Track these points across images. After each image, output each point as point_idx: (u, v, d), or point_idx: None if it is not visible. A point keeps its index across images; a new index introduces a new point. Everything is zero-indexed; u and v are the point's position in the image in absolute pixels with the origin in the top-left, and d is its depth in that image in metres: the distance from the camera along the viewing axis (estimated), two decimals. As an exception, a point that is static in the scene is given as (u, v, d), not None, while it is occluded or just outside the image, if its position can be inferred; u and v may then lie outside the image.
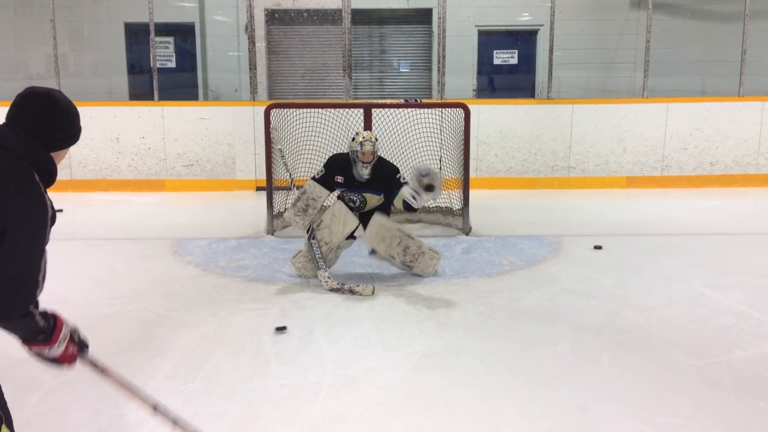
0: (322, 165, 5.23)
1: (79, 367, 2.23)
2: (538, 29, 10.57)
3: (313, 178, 5.13)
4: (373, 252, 5.30)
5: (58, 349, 2.08)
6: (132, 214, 7.58)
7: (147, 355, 3.78)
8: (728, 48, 9.61)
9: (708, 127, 8.92)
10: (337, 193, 5.23)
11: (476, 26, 10.74)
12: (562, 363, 3.70)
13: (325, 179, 5.12)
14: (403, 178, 5.05)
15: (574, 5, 10.28)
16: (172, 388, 3.39)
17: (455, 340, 4.00)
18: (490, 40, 10.77)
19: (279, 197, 6.75)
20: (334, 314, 4.44)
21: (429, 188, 4.64)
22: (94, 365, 2.27)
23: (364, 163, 4.98)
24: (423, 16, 10.75)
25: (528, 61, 10.74)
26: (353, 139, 5.06)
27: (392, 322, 4.28)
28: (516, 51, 10.54)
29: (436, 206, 7.01)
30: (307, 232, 5.03)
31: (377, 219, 5.07)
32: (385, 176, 5.06)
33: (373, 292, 4.81)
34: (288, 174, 5.68)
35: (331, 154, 5.45)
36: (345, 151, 5.30)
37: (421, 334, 4.11)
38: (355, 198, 5.15)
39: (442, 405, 3.22)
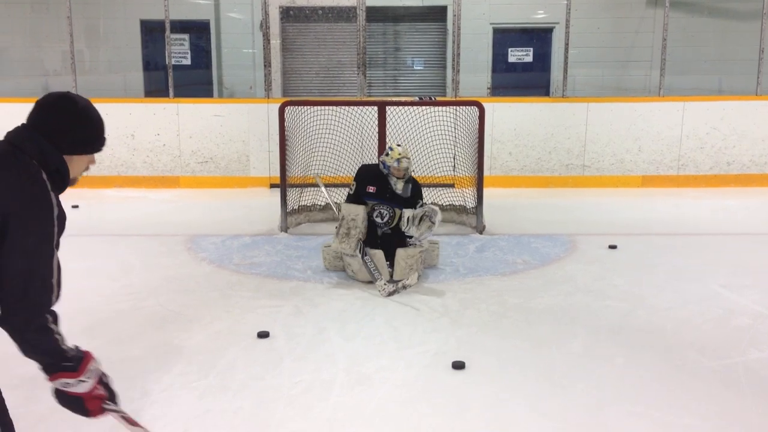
0: (342, 169, 5.31)
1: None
2: (554, 27, 10.52)
3: (348, 198, 5.25)
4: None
5: (84, 385, 1.96)
6: (147, 210, 7.61)
7: (161, 352, 3.80)
8: (746, 46, 9.52)
9: (725, 126, 8.84)
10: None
11: (491, 24, 10.70)
12: (575, 362, 3.68)
13: (357, 193, 5.19)
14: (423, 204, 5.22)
15: (590, 3, 10.21)
16: (186, 384, 3.40)
17: (468, 339, 3.99)
18: (504, 37, 10.73)
19: (292, 194, 6.76)
20: (348, 312, 4.45)
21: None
22: (124, 417, 2.11)
23: (398, 178, 5.12)
24: (438, 14, 10.72)
25: (543, 59, 10.69)
26: (387, 154, 5.17)
27: (405, 320, 4.28)
28: (531, 49, 10.47)
29: (450, 204, 6.99)
30: (360, 251, 5.01)
31: (401, 254, 5.03)
32: (414, 192, 5.23)
33: (418, 278, 4.95)
34: (330, 200, 5.74)
35: (360, 164, 5.58)
36: (372, 162, 5.43)
37: (434, 332, 4.11)
38: (384, 212, 5.18)
39: (454, 403, 3.22)
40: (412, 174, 5.37)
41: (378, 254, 5.04)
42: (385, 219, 5.19)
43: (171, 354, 3.75)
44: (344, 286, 4.95)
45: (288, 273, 5.28)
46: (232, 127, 8.79)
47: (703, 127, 8.84)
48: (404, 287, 4.82)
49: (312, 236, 6.25)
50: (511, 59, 10.45)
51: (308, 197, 6.94)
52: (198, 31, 10.64)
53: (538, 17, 10.86)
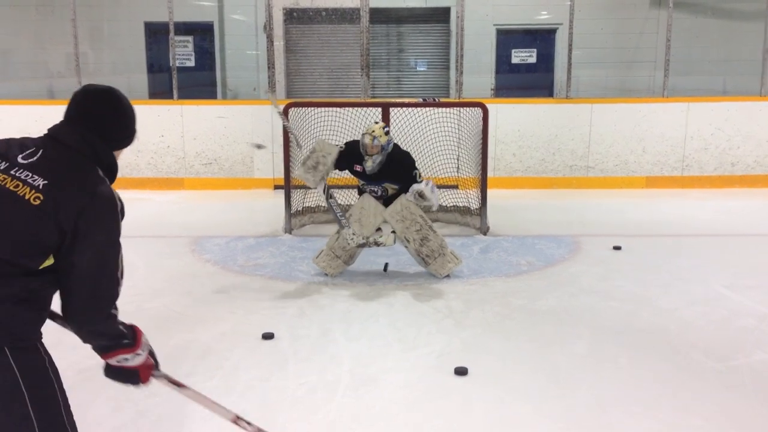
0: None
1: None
2: (557, 28, 10.52)
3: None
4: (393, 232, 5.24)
5: (140, 357, 2.04)
6: (151, 212, 7.62)
7: (165, 353, 3.77)
8: (750, 47, 9.51)
9: (729, 126, 8.82)
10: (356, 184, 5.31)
11: (494, 25, 10.70)
12: (580, 364, 3.68)
13: (341, 154, 5.11)
14: (419, 176, 5.12)
15: (593, 3, 10.21)
16: (191, 385, 3.38)
17: (473, 340, 4.00)
18: (508, 38, 10.73)
19: (297, 196, 6.77)
20: (352, 313, 4.45)
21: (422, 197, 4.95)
22: (171, 381, 2.25)
23: (367, 154, 5.04)
24: (441, 15, 10.73)
25: (547, 59, 10.69)
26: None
27: (410, 322, 4.28)
28: (534, 50, 10.49)
29: (454, 205, 7.00)
30: (324, 192, 4.97)
31: (404, 200, 5.05)
32: (399, 169, 5.10)
33: (394, 241, 4.94)
34: (290, 132, 5.66)
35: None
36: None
37: (439, 333, 4.11)
38: (376, 189, 5.22)
39: (459, 405, 3.22)
40: (399, 148, 5.34)
41: (369, 203, 5.07)
42: (379, 194, 5.25)
43: (175, 355, 3.75)
44: (348, 287, 4.95)
45: (292, 274, 5.29)
46: (236, 129, 8.81)
47: (708, 127, 8.83)
48: (376, 243, 4.86)
49: (316, 237, 6.25)
50: (515, 60, 10.46)
51: (312, 199, 6.95)
52: (202, 33, 10.67)
53: (542, 18, 10.86)
